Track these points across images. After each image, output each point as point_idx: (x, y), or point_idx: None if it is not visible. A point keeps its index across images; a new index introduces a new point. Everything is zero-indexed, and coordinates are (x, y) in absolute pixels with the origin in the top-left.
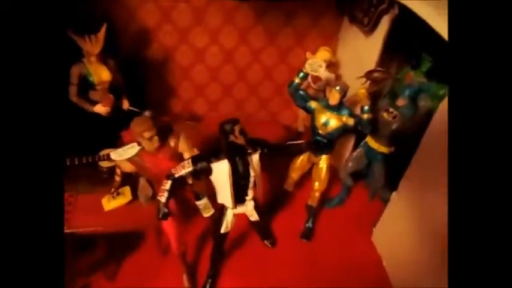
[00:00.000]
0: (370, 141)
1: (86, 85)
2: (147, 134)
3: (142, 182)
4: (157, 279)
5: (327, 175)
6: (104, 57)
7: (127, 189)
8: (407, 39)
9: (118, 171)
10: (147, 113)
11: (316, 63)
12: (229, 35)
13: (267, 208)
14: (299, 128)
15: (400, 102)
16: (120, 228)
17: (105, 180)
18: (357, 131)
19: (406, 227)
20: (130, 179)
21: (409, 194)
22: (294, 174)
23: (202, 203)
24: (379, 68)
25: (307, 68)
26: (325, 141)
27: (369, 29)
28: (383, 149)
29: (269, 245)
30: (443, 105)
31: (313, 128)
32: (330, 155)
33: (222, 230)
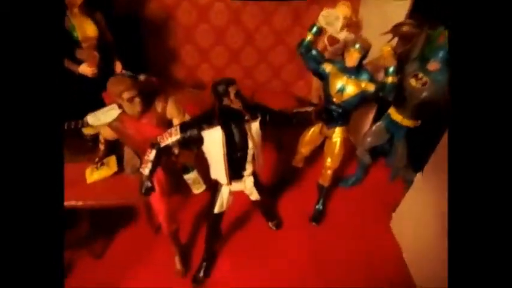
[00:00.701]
0: (392, 112)
1: (71, 43)
2: (126, 95)
3: (127, 151)
4: (148, 259)
5: (341, 151)
6: (89, 10)
7: (112, 160)
8: None
9: (101, 138)
10: (141, 77)
11: (332, 15)
12: None
13: (272, 186)
14: (313, 99)
15: (432, 66)
16: (103, 202)
17: (89, 148)
18: (378, 100)
19: (429, 213)
20: (117, 149)
21: (436, 177)
22: (304, 149)
23: (191, 176)
24: (408, 21)
25: (321, 20)
26: (340, 110)
27: None
28: (407, 122)
29: (273, 227)
30: None
31: (326, 96)
32: (346, 128)
33: (216, 210)
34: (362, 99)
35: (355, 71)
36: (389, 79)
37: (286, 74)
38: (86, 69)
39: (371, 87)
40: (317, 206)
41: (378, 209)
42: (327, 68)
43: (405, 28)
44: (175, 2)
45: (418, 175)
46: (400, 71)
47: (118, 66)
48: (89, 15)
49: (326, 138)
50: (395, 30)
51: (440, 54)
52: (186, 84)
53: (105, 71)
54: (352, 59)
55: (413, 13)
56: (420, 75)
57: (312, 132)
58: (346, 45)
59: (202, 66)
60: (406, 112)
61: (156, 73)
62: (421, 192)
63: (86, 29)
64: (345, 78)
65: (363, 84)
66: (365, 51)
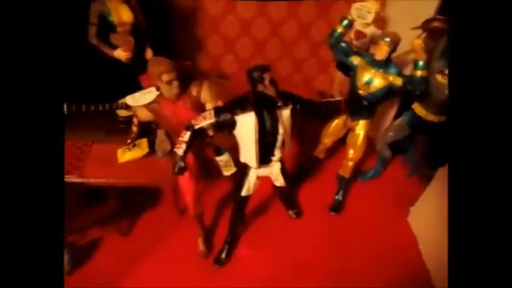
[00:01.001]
0: (416, 107)
1: (106, 27)
2: (165, 77)
3: (160, 134)
4: (172, 240)
5: (363, 143)
6: None
7: (144, 142)
8: None
9: (135, 120)
10: None
11: (365, 8)
12: None
13: (294, 176)
14: (335, 94)
15: None
16: (133, 182)
17: (122, 130)
18: (404, 94)
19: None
20: (148, 131)
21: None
22: (327, 140)
23: (223, 159)
24: (438, 16)
25: (353, 13)
26: (366, 103)
27: None
28: (431, 117)
29: (293, 215)
30: None
31: (352, 88)
32: (369, 122)
33: (243, 193)
34: (388, 93)
35: (384, 65)
36: (419, 72)
37: (308, 68)
38: (120, 53)
39: (398, 81)
40: (337, 197)
41: (395, 202)
42: (355, 60)
43: (436, 23)
44: None
45: (440, 169)
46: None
47: (149, 53)
48: (125, 1)
49: (349, 131)
50: (426, 25)
51: None
52: (210, 73)
53: (136, 57)
54: (381, 52)
55: (442, 11)
56: (447, 71)
57: (336, 124)
58: (372, 40)
59: (226, 58)
60: (430, 107)
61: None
62: (439, 188)
63: (122, 14)
64: (373, 71)
65: (391, 78)
66: (394, 45)
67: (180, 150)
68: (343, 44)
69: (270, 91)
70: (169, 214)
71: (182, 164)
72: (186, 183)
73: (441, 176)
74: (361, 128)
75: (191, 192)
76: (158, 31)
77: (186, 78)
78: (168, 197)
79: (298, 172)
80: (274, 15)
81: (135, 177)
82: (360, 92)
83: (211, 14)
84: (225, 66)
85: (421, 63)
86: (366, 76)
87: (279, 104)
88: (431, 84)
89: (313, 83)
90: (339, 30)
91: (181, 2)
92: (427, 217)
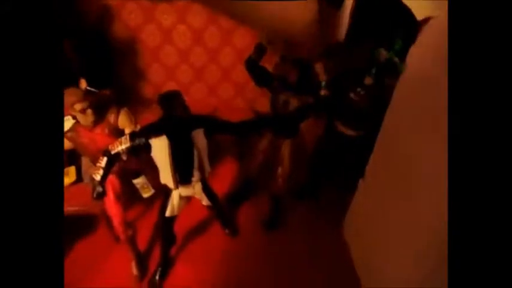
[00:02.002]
0: (338, 124)
1: None
2: (78, 106)
3: (85, 161)
4: (108, 266)
5: (290, 160)
6: None
7: (72, 170)
8: (377, 16)
9: None
10: (107, 92)
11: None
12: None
13: (230, 194)
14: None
15: (368, 81)
16: (65, 210)
17: None
18: (320, 110)
19: (373, 216)
20: (75, 160)
21: (375, 180)
22: (257, 159)
23: (139, 181)
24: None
25: (263, 39)
26: (287, 122)
27: (337, 5)
28: (350, 132)
29: (229, 234)
30: (403, 79)
31: (273, 109)
32: (294, 139)
33: (167, 214)
34: (305, 111)
35: (297, 86)
36: (322, 92)
37: (249, 92)
38: None
39: (311, 100)
40: (272, 213)
41: (331, 215)
42: (273, 83)
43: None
44: (139, 25)
45: (360, 180)
46: (342, 86)
47: (82, 83)
48: None
49: (276, 149)
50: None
51: (373, 70)
52: (153, 100)
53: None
54: (293, 74)
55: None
56: (358, 89)
57: (263, 143)
58: None
59: (168, 84)
60: (349, 123)
61: (126, 90)
62: (364, 196)
63: None
64: (289, 92)
65: (305, 98)
66: (304, 68)
67: (97, 176)
68: (258, 69)
69: (182, 115)
70: (104, 240)
71: (100, 189)
72: (112, 207)
73: (362, 186)
74: (286, 146)
75: (118, 216)
76: (100, 61)
77: (103, 106)
78: (102, 223)
79: (234, 191)
80: (210, 43)
81: (66, 205)
82: (280, 112)
83: (149, 45)
84: None
85: (323, 83)
86: (283, 97)
87: (191, 126)
88: (347, 102)
89: (255, 106)
90: (253, 56)
91: (120, 35)
92: (357, 225)
